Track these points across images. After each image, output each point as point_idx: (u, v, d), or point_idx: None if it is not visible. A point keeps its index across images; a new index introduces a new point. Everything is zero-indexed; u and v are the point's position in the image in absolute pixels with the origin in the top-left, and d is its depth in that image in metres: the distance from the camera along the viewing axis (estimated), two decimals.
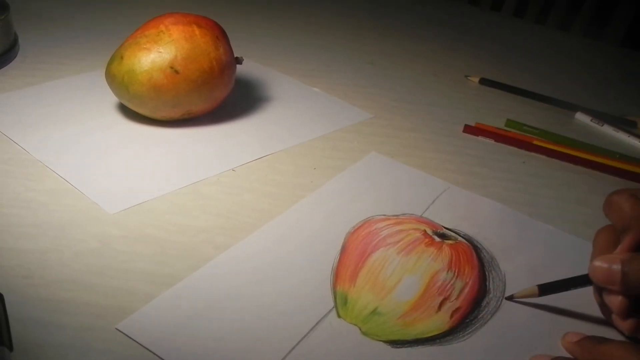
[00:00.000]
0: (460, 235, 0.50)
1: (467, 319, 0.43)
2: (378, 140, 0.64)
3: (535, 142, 0.65)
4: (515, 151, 0.65)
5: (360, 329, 0.41)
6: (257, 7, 0.98)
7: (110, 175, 0.53)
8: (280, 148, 0.60)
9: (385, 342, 0.40)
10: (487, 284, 0.46)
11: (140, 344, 0.38)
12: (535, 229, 0.53)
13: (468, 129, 0.67)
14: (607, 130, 0.71)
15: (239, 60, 0.63)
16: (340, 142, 0.63)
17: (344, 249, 0.48)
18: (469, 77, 0.81)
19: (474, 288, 0.45)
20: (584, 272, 0.42)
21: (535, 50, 0.95)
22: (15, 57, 0.71)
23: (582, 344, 0.40)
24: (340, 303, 0.43)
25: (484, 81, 0.79)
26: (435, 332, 0.41)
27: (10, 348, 0.35)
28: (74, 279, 0.42)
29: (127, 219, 0.48)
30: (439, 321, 0.42)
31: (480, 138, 0.66)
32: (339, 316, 0.42)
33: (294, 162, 0.58)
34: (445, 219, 0.52)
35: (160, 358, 0.37)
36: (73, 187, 0.51)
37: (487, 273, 0.47)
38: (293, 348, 0.39)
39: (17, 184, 0.51)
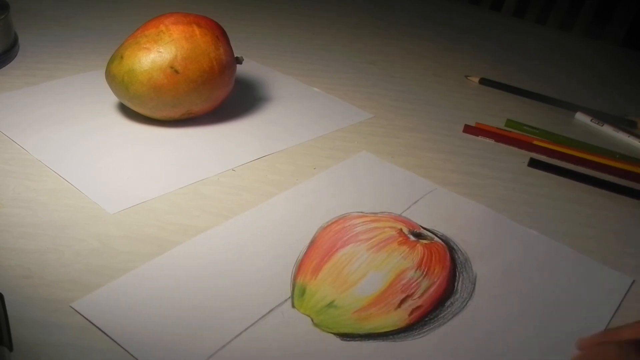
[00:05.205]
0: (437, 236, 0.50)
1: (426, 317, 0.43)
2: (378, 140, 0.64)
3: (535, 142, 0.65)
4: (515, 151, 0.65)
5: (312, 320, 0.41)
6: (257, 7, 0.98)
7: (110, 175, 0.53)
8: (280, 148, 0.60)
9: (336, 334, 0.40)
10: (456, 284, 0.46)
11: (95, 325, 0.38)
12: (516, 233, 0.52)
13: (468, 129, 0.67)
14: (607, 130, 0.71)
15: (239, 60, 0.63)
16: (340, 142, 0.63)
17: (312, 243, 0.48)
18: (469, 77, 0.81)
19: (441, 288, 0.45)
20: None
21: (535, 50, 0.95)
22: (15, 57, 0.71)
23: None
24: (298, 294, 0.43)
25: (484, 81, 0.79)
26: (390, 328, 0.41)
27: (10, 348, 0.35)
28: (74, 279, 0.42)
29: (127, 219, 0.48)
30: (397, 318, 0.42)
31: (480, 138, 0.67)
32: (293, 306, 0.42)
33: (293, 162, 0.58)
34: (425, 219, 0.52)
35: (113, 340, 0.38)
36: (73, 187, 0.51)
37: (457, 274, 0.47)
38: (239, 334, 0.39)
39: (17, 184, 0.51)
